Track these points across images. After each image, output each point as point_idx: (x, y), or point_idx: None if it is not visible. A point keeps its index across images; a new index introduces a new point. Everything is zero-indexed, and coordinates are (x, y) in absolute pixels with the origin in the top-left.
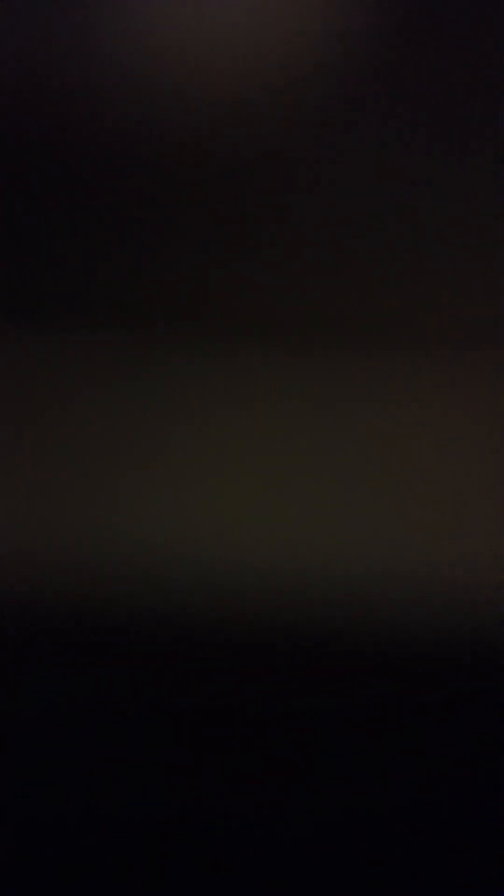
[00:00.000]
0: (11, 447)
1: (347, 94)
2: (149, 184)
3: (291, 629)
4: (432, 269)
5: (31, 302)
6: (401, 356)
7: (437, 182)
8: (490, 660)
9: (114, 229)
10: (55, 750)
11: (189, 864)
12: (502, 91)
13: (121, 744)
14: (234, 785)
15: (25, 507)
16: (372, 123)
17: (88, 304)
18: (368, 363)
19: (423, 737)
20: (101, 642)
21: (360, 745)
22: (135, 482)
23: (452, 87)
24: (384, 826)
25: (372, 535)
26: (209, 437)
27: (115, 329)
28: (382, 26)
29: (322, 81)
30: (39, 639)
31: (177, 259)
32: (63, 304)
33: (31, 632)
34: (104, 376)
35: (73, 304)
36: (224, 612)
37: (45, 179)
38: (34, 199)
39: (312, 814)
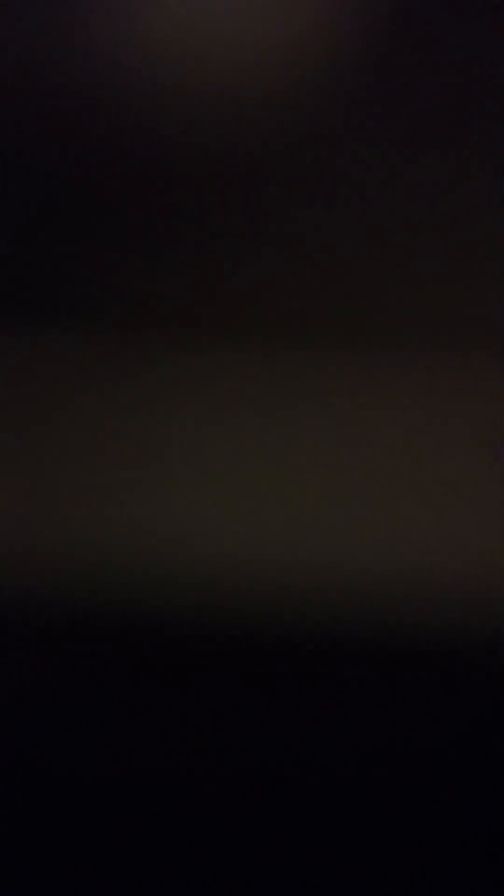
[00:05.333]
0: (12, 447)
1: (348, 94)
2: (149, 184)
3: (291, 628)
4: (433, 270)
5: (31, 302)
6: (401, 356)
7: (438, 183)
8: (490, 660)
9: (115, 229)
10: (55, 749)
11: (189, 861)
12: (502, 91)
13: (120, 743)
14: (234, 784)
15: (26, 506)
16: (372, 123)
17: (89, 304)
18: (368, 363)
19: (423, 735)
20: (101, 641)
21: (359, 744)
22: (135, 481)
23: (453, 87)
24: (384, 825)
25: (372, 534)
26: (209, 436)
27: (115, 329)
28: (383, 26)
29: (322, 80)
30: (39, 638)
31: (177, 259)
32: (64, 305)
33: (31, 631)
34: (105, 376)
35: (73, 304)
36: (224, 611)
37: (45, 180)
38: (35, 200)
39: (313, 812)
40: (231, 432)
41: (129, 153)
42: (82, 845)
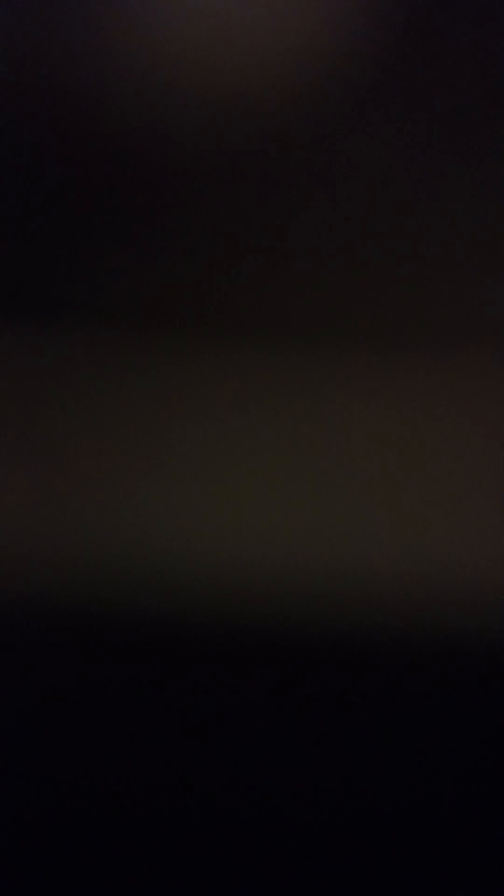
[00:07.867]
0: (12, 447)
1: (348, 93)
2: (150, 184)
3: (292, 629)
4: (433, 270)
5: (32, 302)
6: (401, 356)
7: (439, 183)
8: (491, 660)
9: (116, 229)
10: (55, 750)
11: (187, 867)
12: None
13: (120, 744)
14: (234, 786)
15: (26, 506)
16: (373, 123)
17: (90, 304)
18: (369, 363)
19: (423, 737)
20: (101, 642)
21: (359, 746)
22: (135, 482)
23: (455, 88)
24: (384, 827)
25: (373, 535)
26: (210, 436)
27: (116, 329)
28: (385, 27)
29: (323, 81)
30: (39, 638)
31: (178, 259)
32: (64, 304)
33: (30, 631)
34: (105, 376)
35: (74, 304)
36: (225, 612)
37: (46, 180)
38: (36, 200)
39: (312, 814)
40: (233, 433)
41: (132, 153)
42: (85, 847)
